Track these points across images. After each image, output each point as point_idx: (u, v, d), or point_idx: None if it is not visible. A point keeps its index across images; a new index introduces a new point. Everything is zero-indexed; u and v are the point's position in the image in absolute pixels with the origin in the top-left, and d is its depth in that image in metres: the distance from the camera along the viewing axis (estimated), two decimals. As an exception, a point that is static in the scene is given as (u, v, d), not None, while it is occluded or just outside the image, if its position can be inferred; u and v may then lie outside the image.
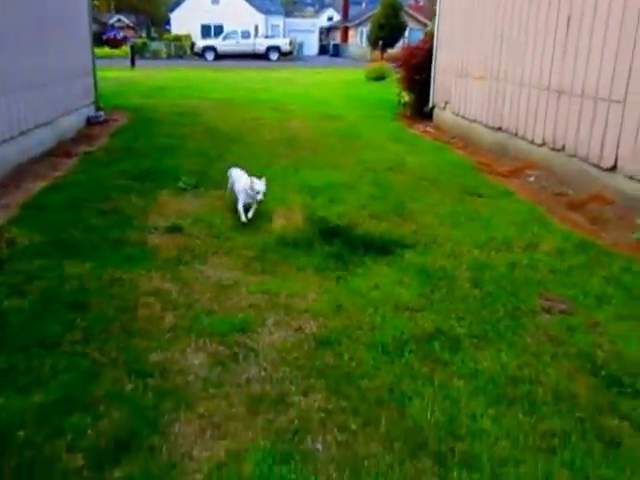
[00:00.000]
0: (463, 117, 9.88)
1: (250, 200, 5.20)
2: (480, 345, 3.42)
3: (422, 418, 2.77)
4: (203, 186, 6.44)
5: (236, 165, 5.86)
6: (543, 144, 7.46)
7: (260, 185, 5.09)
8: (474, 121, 9.47)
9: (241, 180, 5.38)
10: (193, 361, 3.17)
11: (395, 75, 12.94)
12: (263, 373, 3.08)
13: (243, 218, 5.18)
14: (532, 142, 7.71)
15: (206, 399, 2.86)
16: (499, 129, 8.64)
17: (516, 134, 8.14)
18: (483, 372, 3.17)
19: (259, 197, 5.07)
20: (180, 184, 6.37)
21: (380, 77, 20.40)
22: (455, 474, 2.46)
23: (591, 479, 2.49)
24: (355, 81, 20.80)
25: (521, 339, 3.53)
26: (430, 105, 11.29)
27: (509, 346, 3.43)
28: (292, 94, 15.76)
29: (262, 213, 5.41)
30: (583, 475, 2.51)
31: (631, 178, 5.90)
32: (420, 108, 11.60)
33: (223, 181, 6.14)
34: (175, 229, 5.13)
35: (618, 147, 6.08)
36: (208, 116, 11.44)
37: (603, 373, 3.21)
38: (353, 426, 2.70)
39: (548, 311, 3.88)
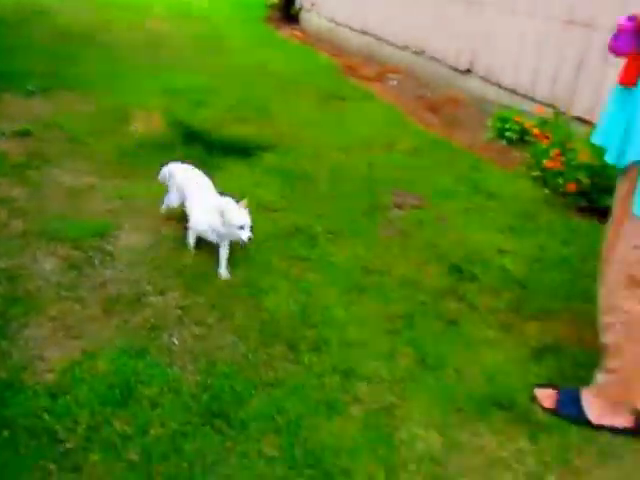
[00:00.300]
0: (331, 20, 9.70)
1: (224, 240, 3.08)
2: (336, 241, 3.54)
3: (277, 310, 2.86)
4: (54, 89, 5.91)
5: (180, 161, 3.58)
6: (406, 47, 7.54)
7: (241, 215, 2.94)
8: (341, 24, 9.33)
9: (196, 196, 3.21)
10: (44, 266, 3.02)
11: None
12: (119, 275, 3.01)
13: (224, 272, 3.07)
14: (396, 45, 7.77)
15: (59, 302, 2.77)
16: (365, 32, 8.60)
17: (381, 37, 8.14)
18: (337, 265, 3.30)
19: (245, 235, 2.91)
20: (29, 87, 5.80)
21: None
22: (306, 358, 2.58)
23: (430, 354, 2.72)
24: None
25: (374, 233, 3.69)
26: (297, 6, 10.95)
27: (363, 240, 3.58)
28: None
29: (120, 117, 5.10)
30: (424, 351, 2.73)
31: (484, 80, 6.17)
32: (288, 10, 11.22)
33: (77, 84, 5.68)
34: (24, 133, 4.72)
35: (474, 49, 6.29)
36: (57, 15, 10.34)
37: (446, 261, 3.45)
38: (209, 320, 2.74)
39: (400, 207, 4.07)
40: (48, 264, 3.04)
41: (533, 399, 2.51)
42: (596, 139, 2.48)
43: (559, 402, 2.46)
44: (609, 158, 2.40)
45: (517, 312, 3.04)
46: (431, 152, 5.09)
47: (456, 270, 3.37)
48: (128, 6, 11.62)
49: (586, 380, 2.48)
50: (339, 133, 5.27)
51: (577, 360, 2.67)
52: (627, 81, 2.26)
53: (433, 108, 6.50)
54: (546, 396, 2.50)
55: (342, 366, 2.57)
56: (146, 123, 5.05)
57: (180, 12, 11.52)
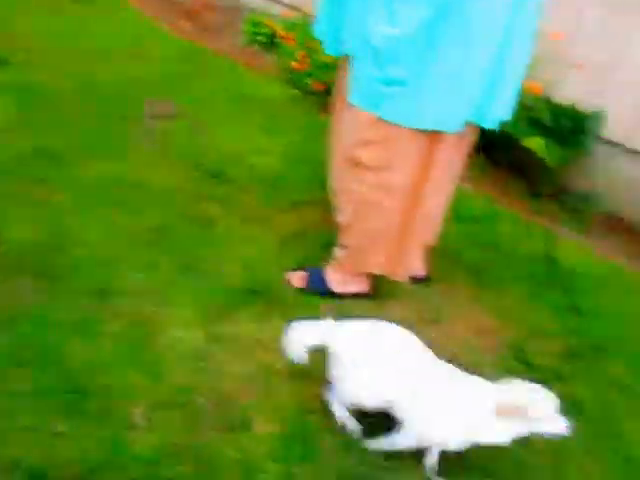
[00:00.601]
0: None
1: None
2: (85, 158, 3.25)
3: (20, 241, 2.57)
4: None
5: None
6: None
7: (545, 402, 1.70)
8: None
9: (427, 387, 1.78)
10: None
11: None
12: None
13: None
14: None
15: None
16: None
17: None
18: (87, 183, 3.05)
19: (562, 426, 1.71)
20: None
21: None
22: (57, 285, 2.39)
23: (189, 259, 2.69)
24: None
25: (127, 147, 3.46)
26: None
27: (115, 155, 3.34)
28: None
29: None
30: (183, 257, 2.69)
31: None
32: None
33: None
34: None
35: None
36: None
37: (203, 168, 3.37)
38: None
39: (155, 117, 3.84)
40: None
41: (286, 282, 2.62)
42: (316, 33, 2.51)
43: (308, 281, 2.61)
44: (328, 50, 2.45)
45: (269, 207, 3.11)
46: (186, 60, 4.84)
47: (212, 175, 3.32)
48: None
49: (329, 259, 2.65)
50: (84, 43, 4.73)
51: (322, 242, 2.83)
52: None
53: (187, 14, 6.14)
54: (297, 278, 2.63)
55: (98, 286, 2.43)
56: None
57: None
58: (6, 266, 2.43)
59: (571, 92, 3.71)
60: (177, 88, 4.29)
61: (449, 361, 1.88)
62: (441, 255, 2.83)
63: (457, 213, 2.95)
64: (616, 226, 3.73)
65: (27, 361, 2.04)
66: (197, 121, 3.88)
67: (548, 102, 3.66)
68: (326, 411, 2.06)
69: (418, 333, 2.39)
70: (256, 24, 5.33)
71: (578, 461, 2.15)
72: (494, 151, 3.80)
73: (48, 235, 2.63)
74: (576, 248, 3.38)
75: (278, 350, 2.29)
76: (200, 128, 3.81)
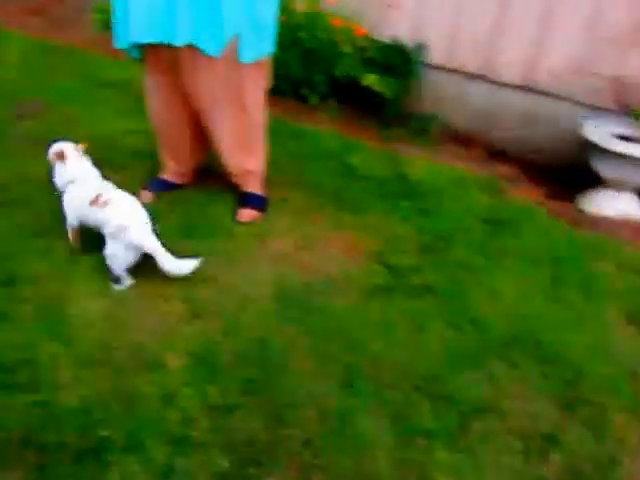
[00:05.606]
0: None
1: None
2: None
3: None
4: None
5: None
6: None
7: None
8: None
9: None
10: None
11: None
12: None
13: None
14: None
15: None
16: None
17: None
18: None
19: None
20: None
21: None
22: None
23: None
24: None
25: (6, 147, 3.46)
26: None
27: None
28: None
29: None
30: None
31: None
32: None
33: None
34: None
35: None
36: None
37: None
38: None
39: (24, 117, 3.82)
40: None
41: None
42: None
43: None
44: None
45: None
46: (43, 57, 4.74)
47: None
48: None
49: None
50: None
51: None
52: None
53: (35, 11, 5.89)
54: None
55: (2, 278, 2.51)
56: None
57: None
58: None
59: (394, 30, 4.05)
60: (40, 87, 4.23)
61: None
62: (303, 189, 3.11)
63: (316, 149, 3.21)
64: (453, 137, 4.18)
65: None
66: (68, 114, 3.89)
67: (376, 41, 3.98)
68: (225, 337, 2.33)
69: (295, 260, 2.73)
70: (105, 11, 5.22)
71: (438, 329, 2.51)
72: (342, 94, 4.10)
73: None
74: (422, 162, 3.76)
75: (177, 299, 2.51)
76: (71, 119, 3.83)
